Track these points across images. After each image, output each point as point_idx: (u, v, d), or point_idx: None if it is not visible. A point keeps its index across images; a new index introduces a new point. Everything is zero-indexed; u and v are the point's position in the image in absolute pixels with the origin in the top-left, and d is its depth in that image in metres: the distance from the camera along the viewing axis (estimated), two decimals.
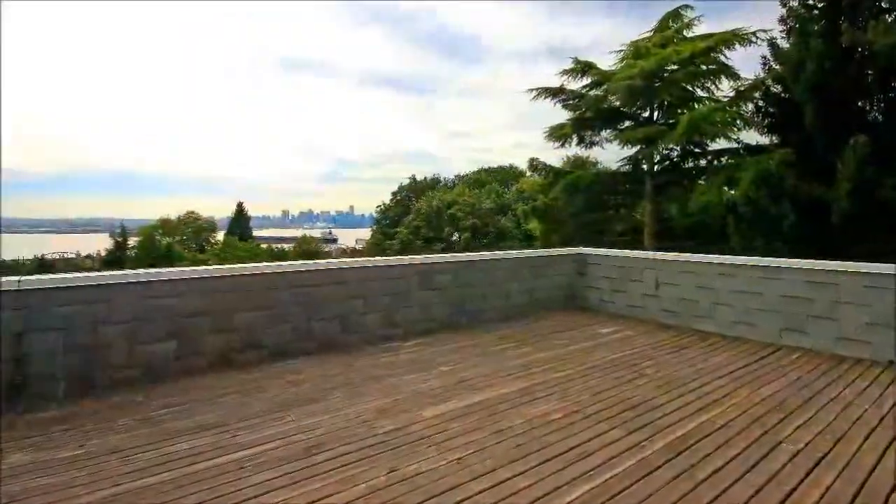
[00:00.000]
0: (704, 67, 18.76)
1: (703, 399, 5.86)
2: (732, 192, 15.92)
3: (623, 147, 20.32)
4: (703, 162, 19.46)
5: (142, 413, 5.46)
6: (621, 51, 20.99)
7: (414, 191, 64.42)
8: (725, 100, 18.20)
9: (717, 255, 9.37)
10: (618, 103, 20.17)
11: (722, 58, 18.39)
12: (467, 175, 69.63)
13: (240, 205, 69.37)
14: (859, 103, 14.67)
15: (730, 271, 9.00)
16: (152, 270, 6.81)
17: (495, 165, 71.27)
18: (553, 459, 4.40)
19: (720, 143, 18.09)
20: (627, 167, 21.09)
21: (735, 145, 17.94)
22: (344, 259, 8.91)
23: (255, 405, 5.67)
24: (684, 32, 19.70)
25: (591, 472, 4.18)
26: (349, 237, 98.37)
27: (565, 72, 20.95)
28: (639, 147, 19.78)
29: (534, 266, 10.73)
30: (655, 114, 20.09)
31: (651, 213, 19.43)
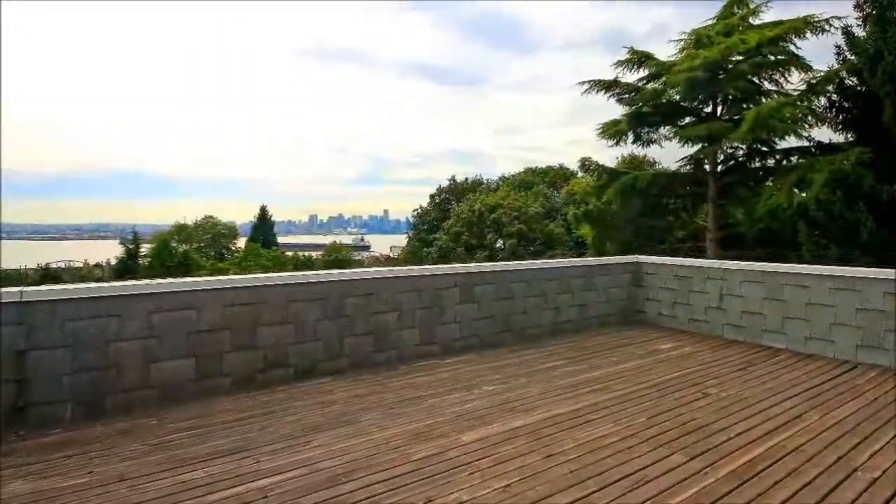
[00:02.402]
0: (772, 58, 18.57)
1: (771, 421, 5.85)
2: (803, 194, 15.77)
3: (683, 145, 20.21)
4: (770, 161, 19.26)
5: (155, 437, 5.46)
6: (681, 40, 20.89)
7: (454, 193, 64.36)
8: (795, 93, 17.98)
9: (786, 264, 9.32)
10: (677, 97, 20.07)
11: (792, 47, 18.21)
12: (512, 176, 69.47)
13: (263, 208, 69.48)
14: None
15: (801, 282, 8.93)
16: (167, 281, 6.82)
17: (543, 165, 71.05)
18: (610, 486, 4.42)
19: (790, 141, 17.88)
20: (688, 167, 20.96)
21: (806, 143, 17.74)
22: (377, 268, 8.96)
23: (279, 429, 5.68)
24: (750, 19, 19.55)
25: (651, 501, 4.20)
26: (383, 244, 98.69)
27: (620, 63, 20.87)
28: (700, 145, 19.66)
29: (586, 276, 10.72)
30: (719, 109, 19.94)
31: (714, 218, 19.29)
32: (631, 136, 21.03)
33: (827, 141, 17.30)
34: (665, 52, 23.31)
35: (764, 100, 18.65)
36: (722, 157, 19.76)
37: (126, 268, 45.18)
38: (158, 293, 6.52)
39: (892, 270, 8.03)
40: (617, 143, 21.19)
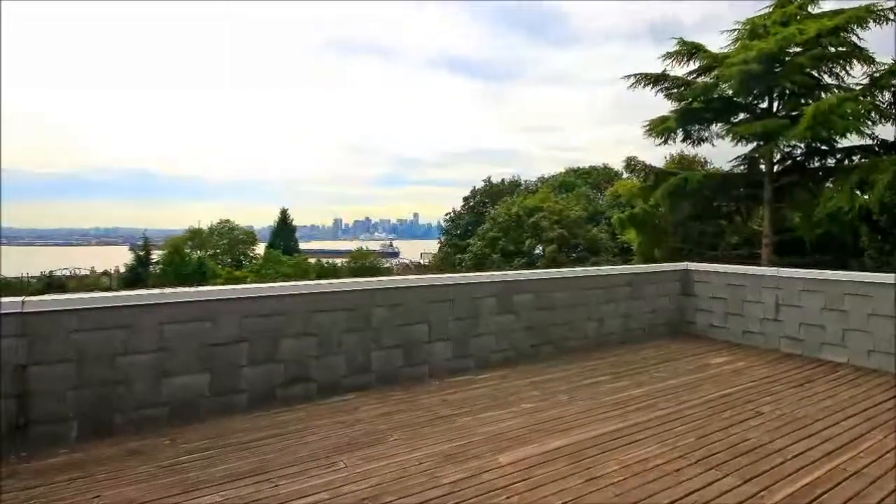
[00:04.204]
0: (833, 49, 18.44)
1: (830, 442, 5.80)
2: (866, 196, 15.61)
3: (737, 144, 20.14)
4: (831, 161, 19.12)
5: (166, 459, 5.37)
6: (735, 30, 20.81)
7: (489, 195, 64.44)
8: (858, 88, 17.86)
9: (848, 272, 9.23)
10: (730, 92, 19.98)
11: (854, 38, 18.08)
12: (552, 177, 69.35)
13: (283, 212, 68.65)
14: None
15: (863, 291, 8.84)
16: (180, 290, 6.76)
17: (586, 165, 70.86)
18: None
19: (851, 139, 17.73)
20: (742, 167, 20.86)
21: (869, 141, 17.59)
22: (407, 276, 8.97)
23: (300, 449, 5.62)
24: (809, 8, 19.43)
25: None
26: (413, 250, 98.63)
27: (669, 55, 20.82)
28: (755, 144, 19.56)
29: (631, 284, 10.68)
30: (775, 104, 19.83)
31: (770, 222, 19.15)
32: (680, 134, 20.99)
33: (892, 139, 17.11)
34: (717, 43, 23.25)
35: (824, 95, 18.51)
36: (778, 156, 19.63)
37: (136, 276, 44.96)
38: (171, 303, 6.46)
39: None
40: (665, 142, 21.17)
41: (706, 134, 21.03)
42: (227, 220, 68.04)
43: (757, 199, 20.21)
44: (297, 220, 73.05)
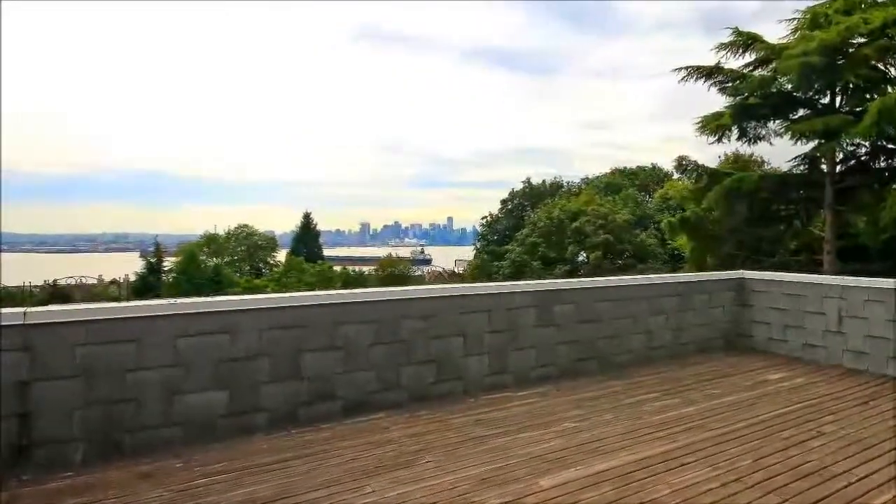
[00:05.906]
0: None
1: None
2: None
3: (796, 142, 19.96)
4: None
5: (180, 483, 5.32)
6: (795, 19, 20.64)
7: (529, 198, 64.42)
8: None
9: None
10: (789, 86, 19.83)
11: None
12: (597, 178, 69.19)
13: (307, 216, 68.35)
14: None
15: None
16: (195, 300, 6.75)
17: (633, 165, 70.65)
18: None
19: None
20: (802, 168, 20.67)
21: None
22: (440, 285, 8.95)
23: (325, 472, 5.58)
24: None
25: None
26: (446, 257, 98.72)
27: (723, 46, 20.69)
28: (816, 142, 19.39)
29: (682, 294, 10.61)
30: (838, 100, 19.65)
31: (832, 227, 18.98)
32: (735, 132, 20.84)
33: None
34: (775, 33, 23.12)
35: (890, 89, 18.31)
36: (841, 155, 19.47)
37: (147, 285, 44.66)
38: (185, 314, 6.41)
39: None
40: (719, 140, 21.03)
41: (763, 131, 20.90)
42: (246, 225, 67.77)
43: (817, 203, 20.05)
44: (322, 224, 73.11)
